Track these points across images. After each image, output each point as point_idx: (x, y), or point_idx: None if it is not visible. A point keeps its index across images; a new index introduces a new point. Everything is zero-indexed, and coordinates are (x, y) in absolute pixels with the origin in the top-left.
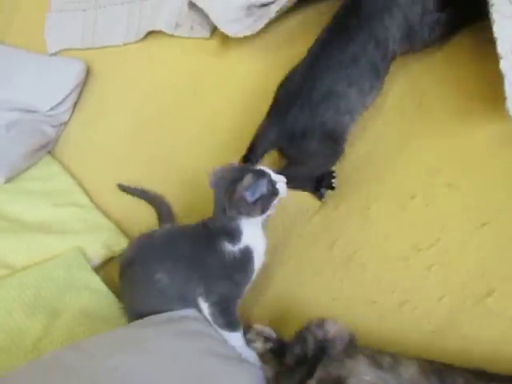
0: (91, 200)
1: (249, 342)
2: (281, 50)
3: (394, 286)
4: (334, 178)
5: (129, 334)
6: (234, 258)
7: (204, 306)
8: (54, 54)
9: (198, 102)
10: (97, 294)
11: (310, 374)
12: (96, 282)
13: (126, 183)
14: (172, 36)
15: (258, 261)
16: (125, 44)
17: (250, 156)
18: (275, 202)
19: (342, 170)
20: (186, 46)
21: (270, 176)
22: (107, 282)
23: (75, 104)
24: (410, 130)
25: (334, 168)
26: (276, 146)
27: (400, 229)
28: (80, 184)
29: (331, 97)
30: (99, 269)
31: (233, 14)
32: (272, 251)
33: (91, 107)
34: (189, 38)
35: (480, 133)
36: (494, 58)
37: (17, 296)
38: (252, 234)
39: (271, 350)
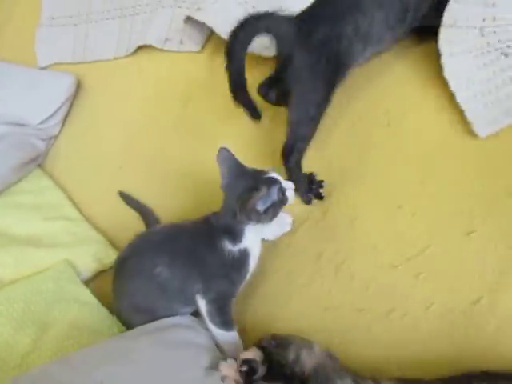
0: (81, 213)
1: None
2: (271, 64)
3: (382, 294)
4: (322, 187)
5: (117, 345)
6: (233, 257)
7: (202, 303)
8: (45, 68)
9: (188, 115)
10: (86, 307)
11: None
12: (86, 294)
13: (115, 196)
14: (162, 50)
15: (253, 263)
16: (115, 58)
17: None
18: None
19: (330, 179)
20: (176, 60)
21: (280, 183)
22: (97, 294)
23: (65, 117)
24: (395, 141)
25: (322, 178)
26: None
27: (387, 238)
28: (70, 197)
29: (356, 11)
30: (89, 282)
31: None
32: (260, 261)
33: (81, 121)
34: (178, 51)
35: (465, 142)
36: None
37: (5, 310)
38: (253, 237)
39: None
